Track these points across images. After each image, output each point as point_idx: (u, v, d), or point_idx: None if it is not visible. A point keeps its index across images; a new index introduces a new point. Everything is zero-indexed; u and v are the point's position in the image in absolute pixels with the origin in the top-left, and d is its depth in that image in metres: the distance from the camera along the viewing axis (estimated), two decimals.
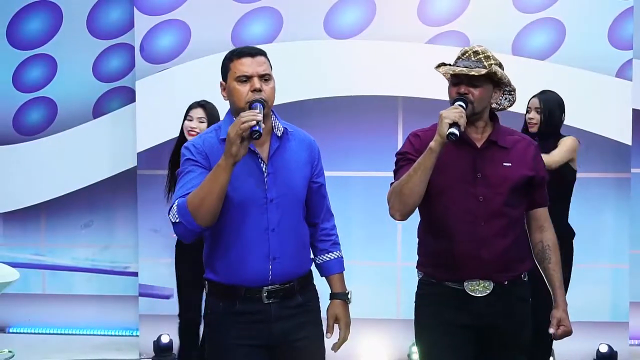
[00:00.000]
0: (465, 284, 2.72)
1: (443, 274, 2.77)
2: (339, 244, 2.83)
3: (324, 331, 2.72)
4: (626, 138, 4.99)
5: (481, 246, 2.69)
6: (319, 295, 2.75)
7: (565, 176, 4.16)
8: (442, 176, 2.69)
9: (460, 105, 2.62)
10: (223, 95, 2.58)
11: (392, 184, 2.77)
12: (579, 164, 4.31)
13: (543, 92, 4.30)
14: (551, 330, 2.81)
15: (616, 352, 4.94)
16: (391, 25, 5.13)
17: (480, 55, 2.72)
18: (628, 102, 4.99)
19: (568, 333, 2.84)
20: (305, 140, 2.69)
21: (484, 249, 2.69)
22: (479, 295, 2.72)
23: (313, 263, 2.78)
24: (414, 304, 2.89)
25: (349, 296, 2.78)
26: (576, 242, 4.37)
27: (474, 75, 2.66)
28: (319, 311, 2.73)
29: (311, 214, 2.74)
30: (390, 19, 5.14)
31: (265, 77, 2.51)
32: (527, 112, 4.28)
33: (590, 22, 5.02)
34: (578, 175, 4.30)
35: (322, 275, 2.81)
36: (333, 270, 2.78)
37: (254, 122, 2.30)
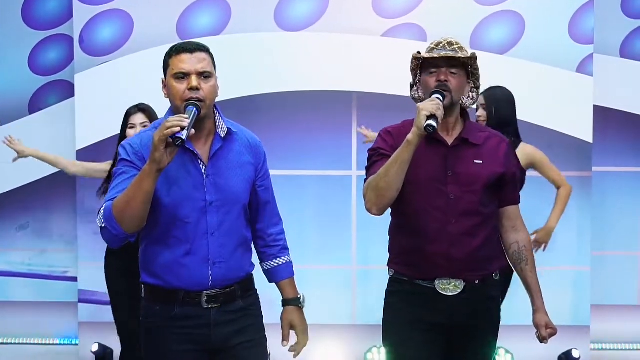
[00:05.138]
0: (436, 282, 2.76)
1: (414, 272, 2.80)
2: (287, 248, 2.81)
3: (266, 336, 2.71)
4: (587, 135, 5.06)
5: (451, 245, 2.74)
6: (260, 300, 2.74)
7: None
8: (414, 174, 2.72)
9: (437, 97, 2.64)
10: (164, 93, 2.56)
11: (365, 180, 2.79)
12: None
13: (489, 89, 4.30)
14: (543, 334, 2.88)
15: (579, 358, 4.94)
16: (345, 17, 5.13)
17: (455, 46, 2.75)
18: (589, 99, 5.05)
19: (555, 333, 2.91)
20: (250, 142, 2.67)
21: (454, 247, 2.74)
22: (450, 294, 2.76)
23: (261, 270, 2.77)
24: (384, 301, 2.92)
25: (301, 300, 2.77)
26: None
27: (460, 58, 2.71)
28: (261, 316, 2.72)
29: (256, 218, 2.73)
30: (344, 11, 5.13)
31: (205, 75, 2.49)
32: (476, 109, 4.32)
33: (551, 15, 5.06)
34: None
35: (270, 282, 2.79)
36: (282, 276, 2.77)
37: (177, 129, 2.28)
